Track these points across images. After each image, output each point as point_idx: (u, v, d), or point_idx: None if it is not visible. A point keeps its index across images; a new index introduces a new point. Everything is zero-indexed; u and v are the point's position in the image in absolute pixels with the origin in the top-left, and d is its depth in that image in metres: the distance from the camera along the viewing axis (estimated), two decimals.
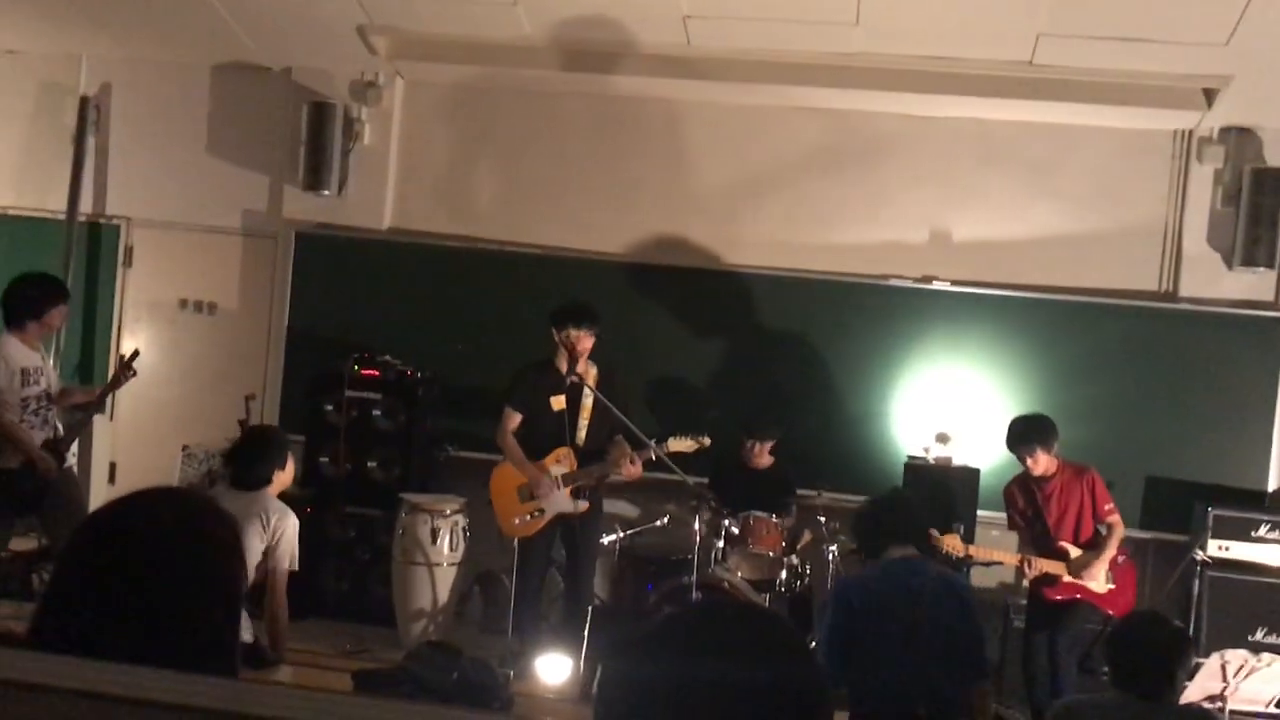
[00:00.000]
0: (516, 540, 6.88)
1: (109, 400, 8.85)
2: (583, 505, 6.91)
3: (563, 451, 6.79)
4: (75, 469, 7.48)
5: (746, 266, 8.19)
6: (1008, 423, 6.76)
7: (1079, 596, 6.56)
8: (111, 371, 7.88)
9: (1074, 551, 6.57)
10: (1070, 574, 6.53)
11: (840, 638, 4.52)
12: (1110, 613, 6.54)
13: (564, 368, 6.73)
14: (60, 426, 7.00)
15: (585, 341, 6.74)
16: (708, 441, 6.90)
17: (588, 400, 6.83)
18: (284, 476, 5.67)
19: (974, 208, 8.07)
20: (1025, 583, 6.75)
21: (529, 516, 6.82)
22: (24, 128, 9.20)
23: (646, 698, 1.37)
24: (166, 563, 1.74)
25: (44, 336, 7.07)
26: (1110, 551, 6.55)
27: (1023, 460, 6.61)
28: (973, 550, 6.63)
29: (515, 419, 6.83)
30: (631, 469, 6.80)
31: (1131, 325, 7.78)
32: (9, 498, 6.70)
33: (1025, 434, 6.61)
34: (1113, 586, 6.58)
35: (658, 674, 1.38)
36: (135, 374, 7.25)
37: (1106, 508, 6.63)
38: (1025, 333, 7.82)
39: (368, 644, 7.29)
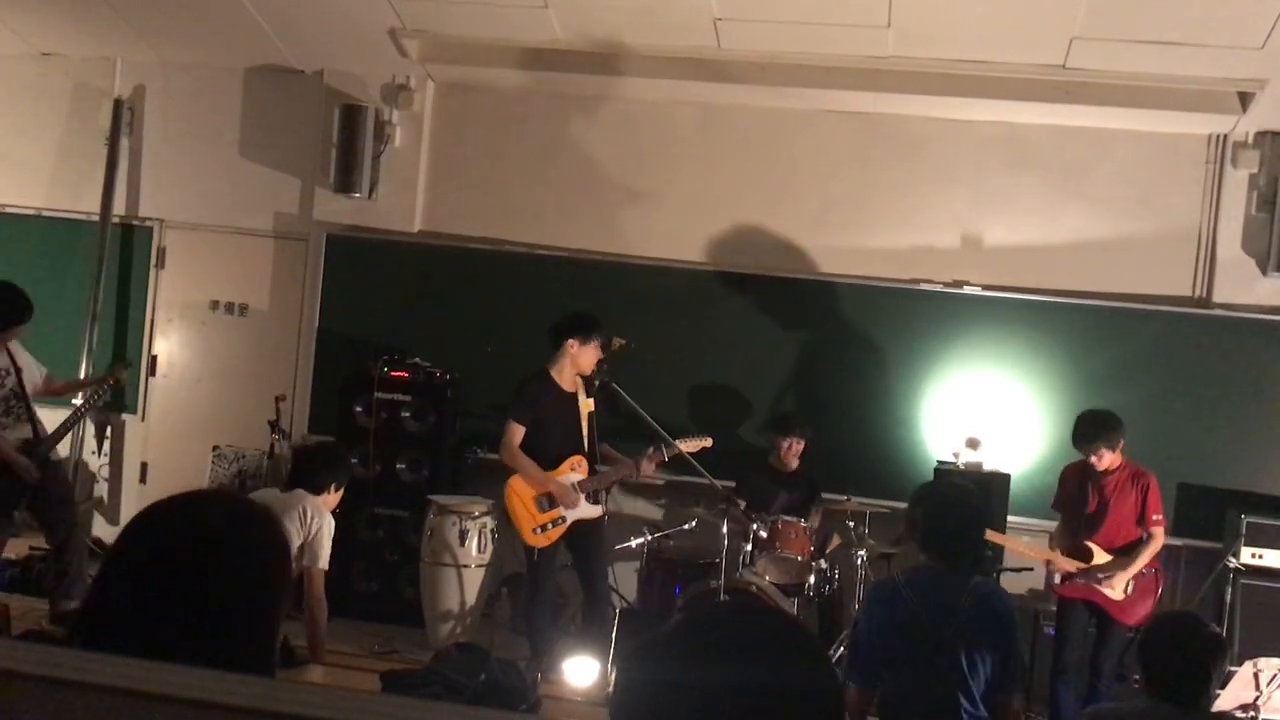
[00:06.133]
0: (538, 551, 6.85)
1: (141, 401, 8.94)
2: (598, 510, 6.95)
3: (577, 459, 6.81)
4: (61, 461, 7.57)
5: (776, 270, 8.18)
6: (1075, 418, 6.65)
7: (1088, 598, 6.50)
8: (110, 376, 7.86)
9: (1098, 554, 6.50)
10: (1086, 578, 6.47)
11: (872, 636, 4.40)
12: (1122, 622, 6.46)
13: (560, 376, 6.79)
14: (39, 427, 6.99)
15: (599, 354, 6.82)
16: (709, 442, 6.94)
17: (584, 408, 6.86)
18: (331, 497, 5.77)
19: (1005, 212, 8.03)
20: (1055, 577, 6.66)
21: (550, 525, 6.82)
22: (58, 130, 9.27)
23: (661, 701, 1.37)
24: (215, 566, 1.74)
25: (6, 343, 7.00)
26: (1140, 563, 6.46)
27: (1087, 457, 6.53)
28: (989, 535, 6.55)
29: (520, 432, 6.80)
30: (648, 466, 6.85)
31: (1164, 331, 7.72)
32: None
33: (1091, 433, 6.49)
34: (1130, 595, 6.47)
35: (671, 677, 1.38)
36: (108, 392, 7.41)
37: (1155, 516, 6.51)
38: (1057, 338, 7.77)
39: (396, 645, 7.33)
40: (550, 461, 6.78)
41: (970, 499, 4.64)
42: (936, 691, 4.28)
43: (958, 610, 4.29)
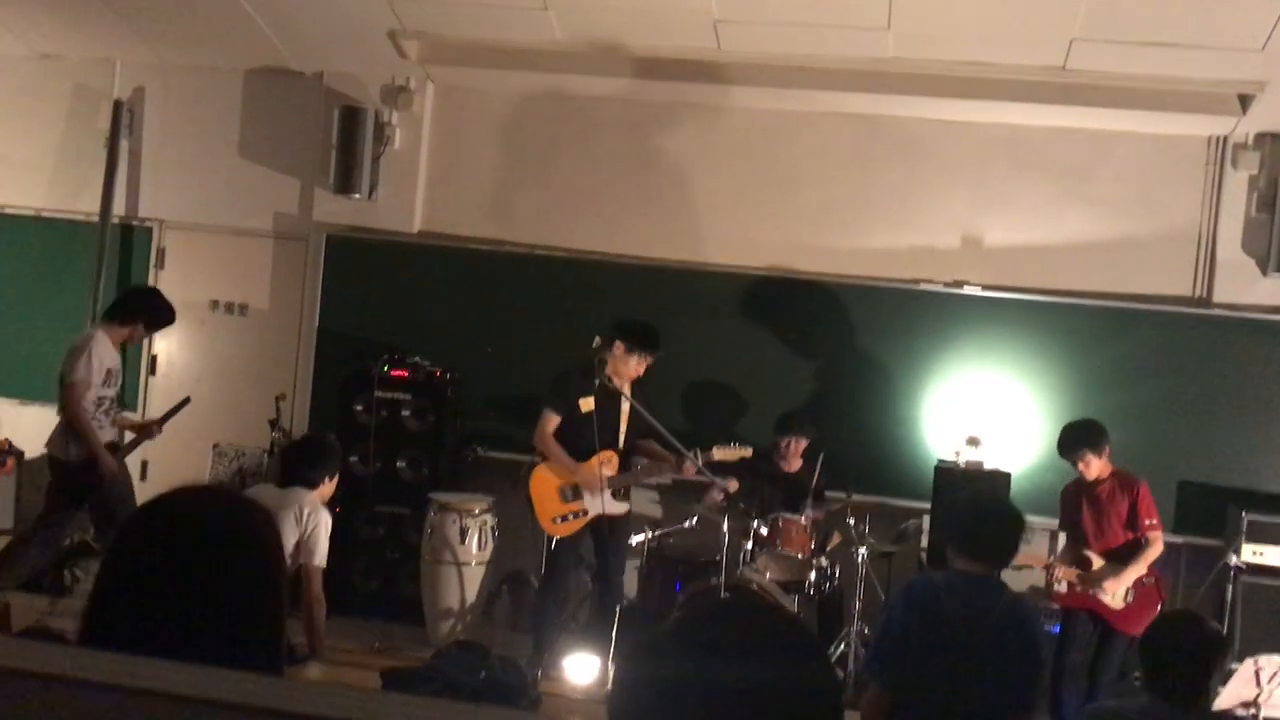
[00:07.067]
0: (555, 540, 6.90)
1: (141, 401, 8.95)
2: (624, 506, 6.97)
3: (608, 454, 6.82)
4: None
5: (778, 271, 8.18)
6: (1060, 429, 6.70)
7: (1090, 608, 6.47)
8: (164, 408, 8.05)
9: (1097, 561, 6.49)
10: (1084, 585, 6.46)
11: (900, 635, 4.39)
12: (1124, 633, 6.42)
13: (610, 381, 6.78)
14: (119, 437, 7.18)
15: (645, 366, 6.83)
16: (750, 452, 6.97)
17: (626, 405, 6.87)
18: (326, 489, 5.78)
19: (1006, 212, 8.03)
20: (1057, 585, 6.64)
21: (571, 516, 6.84)
22: (58, 131, 9.27)
23: (659, 699, 1.38)
24: (211, 559, 1.75)
25: (124, 343, 7.24)
26: (1136, 569, 6.42)
27: (1074, 465, 6.55)
28: None
29: (555, 421, 6.85)
30: (689, 468, 6.84)
31: (1165, 331, 7.72)
32: (68, 490, 6.85)
33: (1072, 440, 6.54)
34: (1130, 603, 6.43)
35: (670, 675, 1.38)
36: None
37: (1148, 522, 6.47)
38: (1057, 338, 7.78)
39: (396, 642, 7.33)
40: (581, 454, 6.79)
41: (1011, 506, 4.71)
42: (957, 696, 4.26)
43: (990, 618, 4.29)
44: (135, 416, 8.23)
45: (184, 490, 1.87)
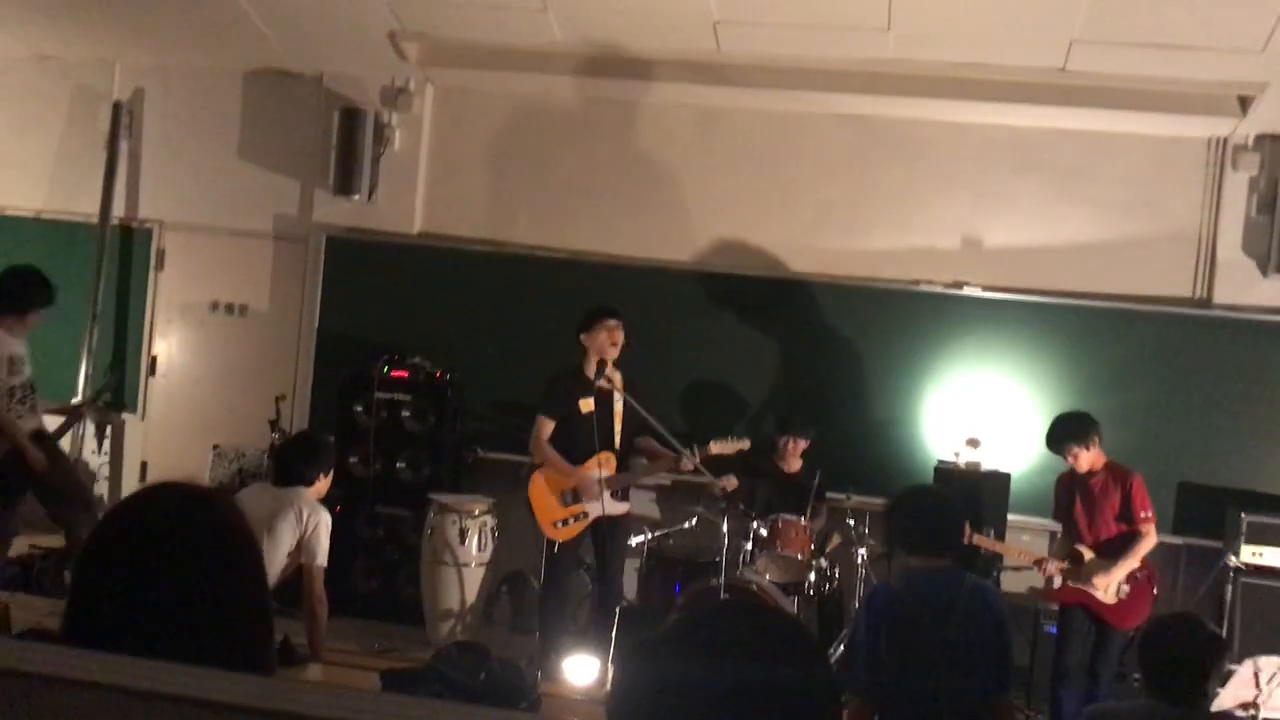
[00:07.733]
0: (557, 544, 6.90)
1: (141, 401, 8.95)
2: (625, 506, 6.97)
3: (605, 455, 6.82)
4: (67, 457, 7.64)
5: (777, 272, 8.18)
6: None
7: (1084, 603, 6.48)
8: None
9: (1087, 555, 6.49)
10: (1074, 579, 6.45)
11: (872, 645, 4.40)
12: (1119, 627, 6.41)
13: (592, 373, 6.78)
14: (44, 420, 7.08)
15: (618, 334, 6.82)
16: (748, 444, 6.94)
17: (619, 405, 6.87)
18: (323, 485, 5.77)
19: (1006, 214, 8.03)
20: (1054, 580, 6.64)
21: (572, 520, 6.84)
22: (58, 132, 9.27)
23: (658, 700, 1.38)
24: (180, 554, 1.74)
25: (22, 333, 7.04)
26: (1128, 564, 6.41)
27: (1064, 459, 6.56)
28: (979, 540, 6.56)
29: (550, 427, 6.85)
30: (686, 464, 6.82)
31: (1165, 332, 7.72)
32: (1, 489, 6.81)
33: (1056, 435, 6.55)
34: (1123, 598, 6.43)
35: (669, 676, 1.38)
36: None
37: (1143, 515, 6.46)
38: (1057, 338, 7.78)
39: (396, 643, 7.32)
40: (578, 457, 6.79)
41: (940, 491, 4.74)
42: (940, 689, 4.27)
43: (958, 605, 4.30)
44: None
45: (154, 487, 1.87)
